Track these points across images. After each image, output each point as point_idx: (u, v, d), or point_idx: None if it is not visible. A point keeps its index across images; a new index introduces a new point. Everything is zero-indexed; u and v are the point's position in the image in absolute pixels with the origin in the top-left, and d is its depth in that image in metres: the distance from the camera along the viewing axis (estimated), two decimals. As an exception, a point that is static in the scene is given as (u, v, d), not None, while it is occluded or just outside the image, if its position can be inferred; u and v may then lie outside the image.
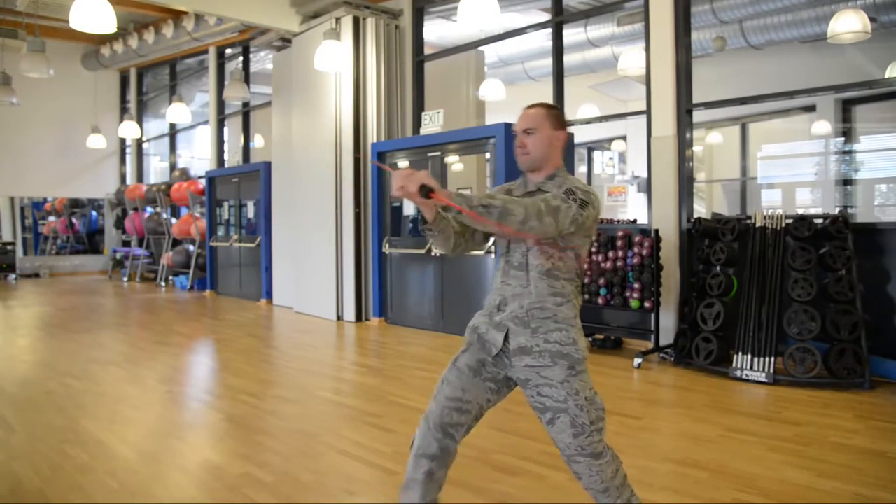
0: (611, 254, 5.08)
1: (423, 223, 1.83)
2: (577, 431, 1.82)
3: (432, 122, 6.58)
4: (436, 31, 8.60)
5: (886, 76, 7.20)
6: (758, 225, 4.65)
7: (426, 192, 1.66)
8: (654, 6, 5.33)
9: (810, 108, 8.85)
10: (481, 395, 1.93)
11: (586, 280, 5.23)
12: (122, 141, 13.76)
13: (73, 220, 13.62)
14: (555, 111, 1.95)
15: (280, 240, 8.48)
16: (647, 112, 5.42)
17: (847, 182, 8.69)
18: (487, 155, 6.07)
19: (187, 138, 13.44)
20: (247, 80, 9.78)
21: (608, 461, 1.88)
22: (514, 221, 1.71)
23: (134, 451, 3.06)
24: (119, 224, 13.33)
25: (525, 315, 1.87)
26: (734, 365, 4.35)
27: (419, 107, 7.44)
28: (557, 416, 1.83)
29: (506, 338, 1.89)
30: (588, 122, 7.10)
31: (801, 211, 8.98)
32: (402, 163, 6.82)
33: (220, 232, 9.93)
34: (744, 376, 4.27)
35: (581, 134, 8.99)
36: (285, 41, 8.40)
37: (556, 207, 1.77)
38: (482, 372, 1.93)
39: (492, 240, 1.89)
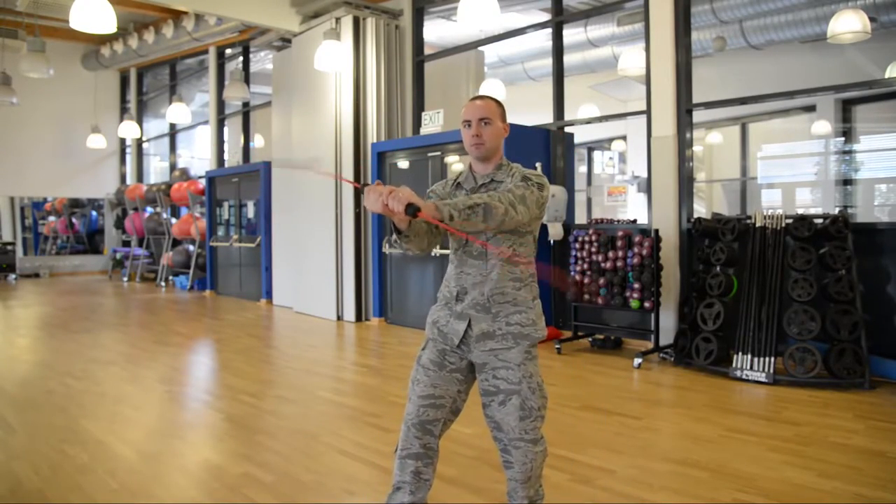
0: (611, 254, 5.07)
1: (396, 233, 1.81)
2: (524, 414, 1.90)
3: (432, 122, 6.58)
4: (436, 31, 8.60)
5: (886, 76, 7.20)
6: (758, 225, 4.65)
7: (413, 211, 1.61)
8: (654, 6, 5.33)
9: (810, 108, 8.85)
10: (451, 388, 1.98)
11: (586, 280, 5.23)
12: (122, 141, 13.76)
13: (73, 220, 13.62)
14: (501, 105, 2.04)
15: (280, 240, 8.48)
16: (647, 112, 5.42)
17: (847, 182, 8.69)
18: (487, 155, 6.06)
19: (187, 138, 13.44)
20: (247, 80, 9.78)
21: (542, 451, 1.97)
22: (498, 215, 1.76)
23: (134, 451, 3.06)
24: (119, 224, 13.33)
25: (486, 301, 1.93)
26: (734, 365, 4.35)
27: (419, 107, 7.44)
28: (510, 397, 1.91)
29: (468, 326, 1.94)
30: (588, 122, 7.10)
31: (801, 211, 8.98)
32: (403, 163, 6.82)
33: (220, 232, 9.92)
34: (744, 376, 4.27)
35: (581, 134, 8.98)
36: (285, 41, 8.40)
37: (522, 195, 1.85)
38: (446, 364, 1.98)
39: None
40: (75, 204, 13.63)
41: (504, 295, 1.93)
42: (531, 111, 7.06)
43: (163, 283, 11.13)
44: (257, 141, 11.19)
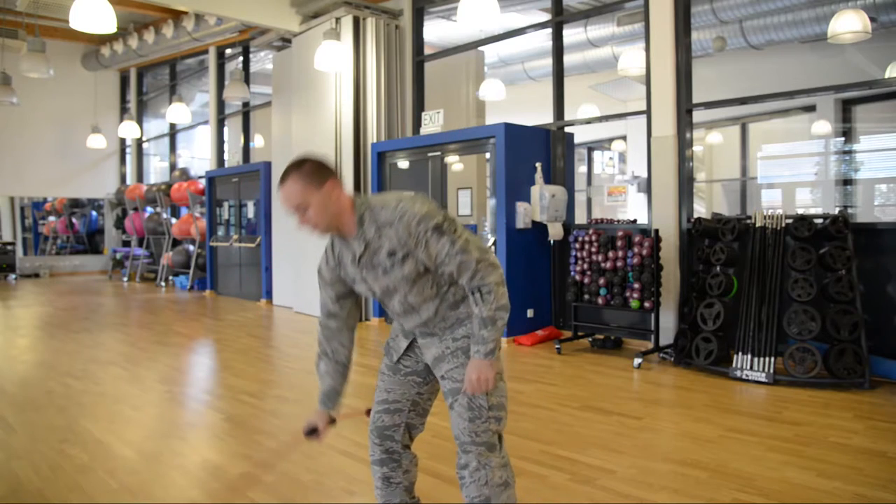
0: (611, 254, 5.07)
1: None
2: (472, 415, 1.79)
3: (432, 122, 6.58)
4: (436, 31, 8.60)
5: (886, 76, 7.20)
6: (758, 225, 4.65)
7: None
8: (654, 6, 5.33)
9: (810, 108, 8.85)
10: (408, 391, 1.95)
11: (586, 280, 5.23)
12: (122, 141, 13.76)
13: (73, 220, 13.62)
14: (308, 167, 1.73)
15: (280, 240, 8.48)
16: (647, 112, 5.42)
17: (847, 182, 8.69)
18: (487, 155, 6.06)
19: (187, 138, 13.44)
20: (247, 80, 9.78)
21: (500, 463, 1.82)
22: (501, 294, 1.74)
23: (134, 451, 3.06)
24: (119, 224, 13.33)
25: (429, 330, 1.88)
26: (734, 365, 4.35)
27: (419, 107, 7.44)
28: (457, 398, 1.82)
29: (413, 340, 1.94)
30: (588, 122, 7.10)
31: (801, 211, 8.98)
32: (403, 163, 6.82)
33: (220, 232, 9.92)
34: (744, 376, 4.27)
35: (581, 134, 8.98)
36: (285, 41, 8.40)
37: (461, 249, 1.72)
38: (400, 368, 1.96)
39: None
40: (75, 204, 13.63)
41: (444, 320, 1.86)
42: (531, 111, 7.06)
43: (163, 283, 11.13)
44: (257, 141, 11.18)
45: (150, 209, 12.14)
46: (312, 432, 1.93)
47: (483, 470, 1.79)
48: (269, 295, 8.70)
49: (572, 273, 5.33)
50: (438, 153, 6.41)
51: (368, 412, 2.27)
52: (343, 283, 1.91)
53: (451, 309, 1.85)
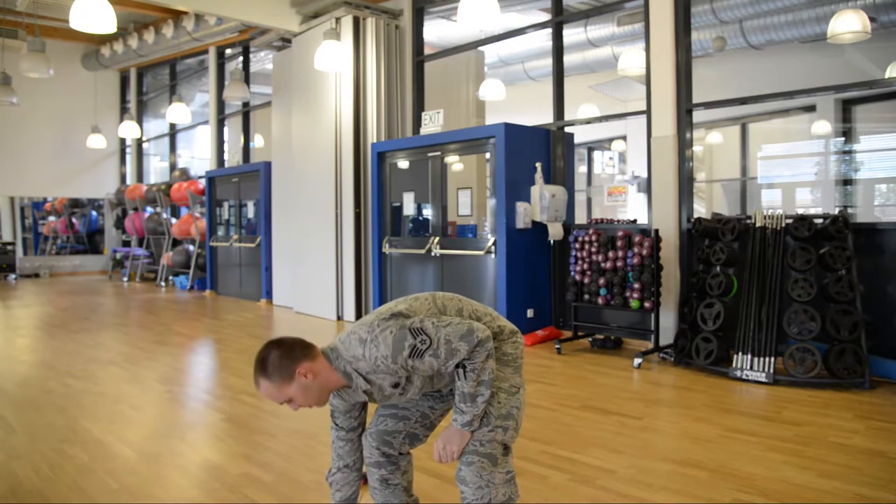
0: (611, 254, 5.07)
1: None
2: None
3: (432, 122, 6.58)
4: (436, 31, 8.60)
5: (886, 76, 7.20)
6: (758, 225, 4.65)
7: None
8: (654, 6, 5.33)
9: (810, 108, 8.86)
10: (422, 402, 1.95)
11: (586, 280, 5.23)
12: (122, 141, 13.77)
13: (73, 220, 13.62)
14: (272, 367, 1.67)
15: (280, 240, 8.48)
16: (647, 112, 5.42)
17: (847, 182, 8.69)
18: (487, 155, 6.06)
19: (187, 138, 13.45)
20: (247, 80, 9.78)
21: (503, 479, 1.74)
22: (487, 368, 1.69)
23: (134, 451, 3.06)
24: (119, 224, 13.33)
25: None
26: (734, 365, 4.35)
27: (419, 107, 7.44)
28: None
29: None
30: (588, 122, 7.10)
31: (801, 211, 8.98)
32: (403, 163, 6.81)
33: (220, 232, 9.93)
34: (744, 376, 4.27)
35: (581, 134, 8.99)
36: (285, 41, 8.40)
37: (449, 354, 1.67)
38: None
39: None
40: (75, 204, 13.64)
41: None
42: (531, 111, 7.06)
43: (163, 283, 11.13)
44: (257, 141, 11.18)
45: (150, 209, 12.15)
46: None
47: (486, 489, 1.72)
48: (269, 295, 8.70)
49: (572, 273, 5.33)
50: (438, 153, 6.41)
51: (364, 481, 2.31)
52: (361, 404, 1.95)
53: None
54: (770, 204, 9.62)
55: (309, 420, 3.55)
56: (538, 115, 6.56)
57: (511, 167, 5.66)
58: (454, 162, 6.54)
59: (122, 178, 14.03)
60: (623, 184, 10.96)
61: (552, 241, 5.97)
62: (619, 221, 6.00)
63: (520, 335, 1.91)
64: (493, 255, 5.80)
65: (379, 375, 1.72)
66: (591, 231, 5.26)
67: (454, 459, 1.74)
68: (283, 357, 1.68)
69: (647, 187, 5.56)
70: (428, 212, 6.63)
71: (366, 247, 7.16)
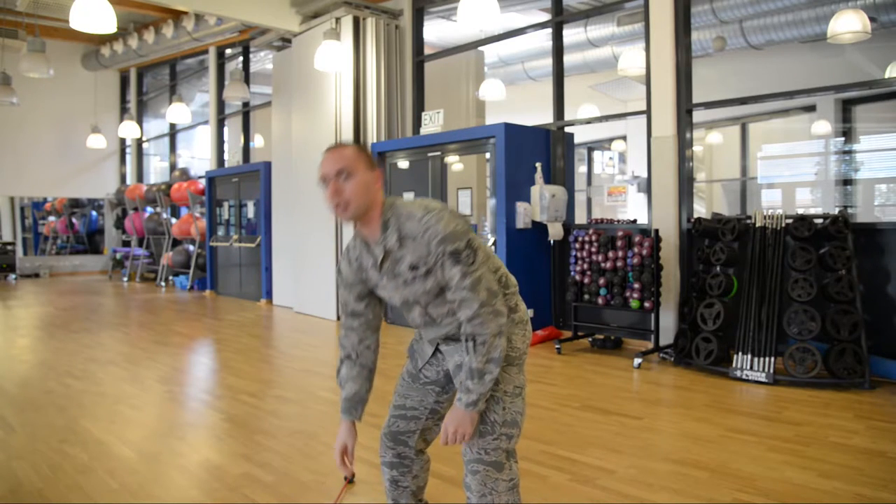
0: (611, 254, 5.08)
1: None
2: (484, 429, 1.70)
3: (432, 122, 6.58)
4: (436, 31, 8.60)
5: (886, 76, 7.20)
6: (758, 225, 4.65)
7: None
8: (654, 6, 5.33)
9: (810, 108, 8.85)
10: (426, 398, 1.89)
11: (586, 280, 5.23)
12: (122, 141, 13.76)
13: (73, 220, 13.63)
14: (364, 150, 1.72)
15: (280, 240, 8.48)
16: (647, 112, 5.42)
17: (847, 182, 8.69)
18: (487, 155, 6.06)
19: (187, 138, 13.45)
20: (247, 80, 9.78)
21: (507, 487, 1.71)
22: (499, 345, 1.64)
23: (134, 451, 3.06)
24: (119, 224, 13.33)
25: (454, 338, 1.81)
26: (734, 365, 4.35)
27: (419, 107, 7.44)
28: None
29: (437, 348, 1.88)
30: (588, 122, 7.10)
31: (801, 211, 8.98)
32: (403, 163, 6.81)
33: (220, 232, 9.92)
34: (744, 376, 4.27)
35: (581, 134, 8.99)
36: (285, 41, 8.40)
37: (475, 281, 1.62)
38: (420, 377, 1.92)
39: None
40: (75, 204, 13.64)
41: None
42: (531, 111, 7.06)
43: (163, 283, 11.13)
44: (257, 141, 11.18)
45: (150, 209, 12.15)
46: (344, 456, 1.92)
47: (489, 496, 1.69)
48: (269, 295, 8.70)
49: (572, 273, 5.33)
50: (438, 153, 6.41)
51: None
52: (365, 283, 1.83)
53: None
54: (770, 204, 9.61)
55: (309, 420, 3.56)
56: (538, 115, 6.55)
57: (511, 167, 5.66)
58: (454, 162, 6.54)
59: (122, 178, 14.03)
60: (623, 184, 10.96)
61: (552, 241, 5.97)
62: (619, 221, 5.99)
63: (529, 325, 1.86)
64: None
65: (409, 248, 1.66)
66: (591, 231, 5.26)
67: (468, 440, 1.69)
68: (374, 161, 1.73)
69: (647, 187, 5.56)
70: (428, 212, 6.61)
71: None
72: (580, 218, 10.39)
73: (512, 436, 1.73)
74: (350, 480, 2.60)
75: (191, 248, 10.88)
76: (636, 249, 4.94)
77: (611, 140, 11.84)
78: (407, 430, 1.89)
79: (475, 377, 1.63)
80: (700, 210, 8.43)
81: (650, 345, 5.13)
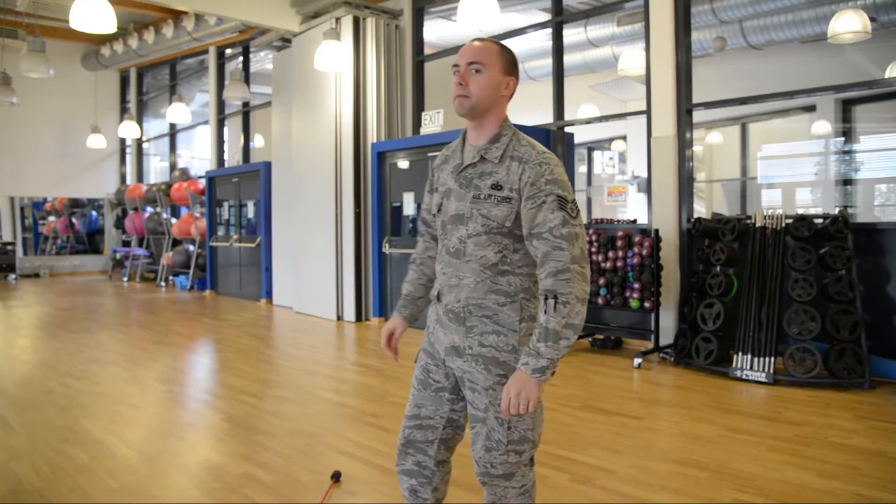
0: (611, 254, 5.08)
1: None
2: (490, 445, 1.61)
3: (432, 122, 6.58)
4: (436, 31, 8.60)
5: (886, 76, 7.21)
6: (758, 225, 4.65)
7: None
8: (654, 6, 5.33)
9: (810, 108, 8.85)
10: (441, 408, 1.73)
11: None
12: (122, 141, 13.76)
13: (73, 220, 13.62)
14: (509, 52, 1.61)
15: (280, 240, 8.48)
16: (647, 112, 5.42)
17: (847, 182, 8.69)
18: (487, 155, 6.05)
19: (187, 138, 13.45)
20: (247, 80, 9.78)
21: (517, 492, 1.63)
22: (579, 312, 1.49)
23: (134, 451, 3.06)
24: (119, 224, 13.33)
25: (461, 311, 1.63)
26: (734, 365, 4.35)
27: (419, 107, 7.44)
28: (475, 424, 1.64)
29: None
30: (588, 122, 7.10)
31: (801, 211, 8.98)
32: (403, 163, 6.81)
33: (220, 232, 9.92)
34: (744, 376, 4.27)
35: (581, 134, 8.99)
36: (285, 41, 8.40)
37: (572, 234, 1.50)
38: (430, 383, 1.75)
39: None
40: (75, 204, 13.63)
41: (482, 308, 1.60)
42: (531, 111, 7.06)
43: (163, 283, 11.13)
44: (257, 141, 11.18)
45: (150, 209, 12.14)
46: (390, 339, 1.88)
47: (500, 501, 1.65)
48: (269, 295, 8.70)
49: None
50: (438, 153, 6.40)
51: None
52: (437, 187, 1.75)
53: (495, 295, 1.59)
54: (770, 204, 9.61)
55: (309, 420, 3.56)
56: (538, 115, 6.56)
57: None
58: (454, 162, 6.54)
59: (122, 178, 14.03)
60: (623, 184, 10.96)
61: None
62: (619, 221, 5.99)
63: None
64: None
65: (509, 168, 1.55)
66: (591, 231, 5.26)
67: (532, 409, 1.51)
68: (516, 67, 1.63)
69: (647, 187, 5.56)
70: (428, 212, 6.61)
71: (366, 247, 7.16)
72: (580, 218, 10.37)
73: (522, 451, 1.62)
74: (337, 480, 2.60)
75: (191, 248, 10.88)
76: (636, 249, 4.94)
77: (611, 140, 11.84)
78: (424, 439, 1.75)
79: (550, 339, 1.47)
80: (700, 210, 8.43)
81: (650, 345, 5.13)
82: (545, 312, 1.49)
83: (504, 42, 1.68)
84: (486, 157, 1.59)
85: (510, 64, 1.60)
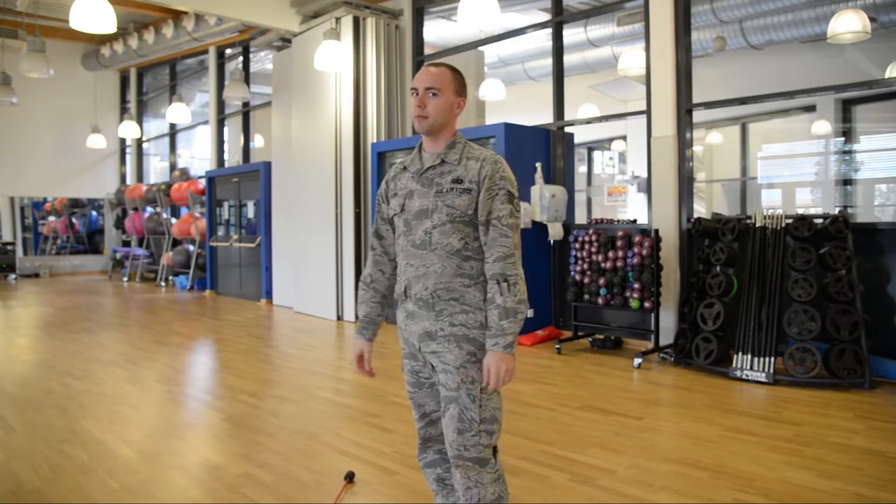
0: (611, 254, 5.07)
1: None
2: (462, 427, 1.70)
3: (432, 122, 6.56)
4: (436, 31, 8.60)
5: (886, 76, 7.20)
6: (758, 225, 4.65)
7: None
8: (654, 6, 5.33)
9: (810, 108, 8.85)
10: (440, 403, 1.83)
11: (586, 280, 5.23)
12: (122, 141, 13.77)
13: (73, 220, 13.62)
14: (459, 76, 1.83)
15: (280, 240, 8.48)
16: (647, 112, 5.42)
17: (847, 182, 8.69)
18: (487, 155, 6.05)
19: (187, 138, 13.45)
20: (247, 80, 9.79)
21: (492, 479, 1.73)
22: (522, 287, 1.71)
23: (134, 451, 3.06)
24: (119, 224, 13.33)
25: (430, 297, 1.75)
26: (734, 365, 4.35)
27: (419, 107, 7.43)
28: (448, 406, 1.73)
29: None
30: (588, 122, 7.10)
31: (801, 211, 8.98)
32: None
33: (220, 232, 9.92)
34: (744, 376, 4.27)
35: (581, 134, 8.98)
36: (285, 41, 8.40)
37: (514, 224, 1.74)
38: (422, 382, 1.86)
39: None
40: (75, 204, 13.63)
41: (450, 291, 1.74)
42: (531, 111, 7.06)
43: (163, 283, 11.13)
44: (257, 141, 11.18)
45: (150, 209, 12.15)
46: (361, 361, 1.97)
47: (475, 489, 1.71)
48: (269, 295, 8.70)
49: (572, 273, 5.33)
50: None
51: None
52: (393, 198, 1.89)
53: (461, 278, 1.74)
54: (770, 204, 9.61)
55: (309, 420, 3.56)
56: (538, 115, 6.55)
57: (511, 167, 5.64)
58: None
59: (122, 178, 14.03)
60: (623, 184, 10.96)
61: (552, 241, 5.97)
62: (619, 221, 5.99)
63: None
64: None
65: (467, 167, 1.76)
66: (591, 231, 5.26)
67: (511, 378, 1.69)
68: (464, 88, 1.84)
69: (647, 187, 5.56)
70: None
71: (366, 247, 7.16)
72: (580, 218, 10.40)
73: (493, 431, 1.73)
74: (350, 480, 2.61)
75: (191, 248, 10.88)
76: (636, 249, 4.94)
77: (611, 140, 11.84)
78: (438, 433, 1.88)
79: (510, 316, 1.68)
80: (700, 210, 8.43)
81: (650, 345, 5.13)
82: (501, 294, 1.69)
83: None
84: (446, 160, 1.79)
85: (461, 86, 1.82)
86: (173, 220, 11.39)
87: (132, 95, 13.49)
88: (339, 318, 7.23)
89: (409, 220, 1.80)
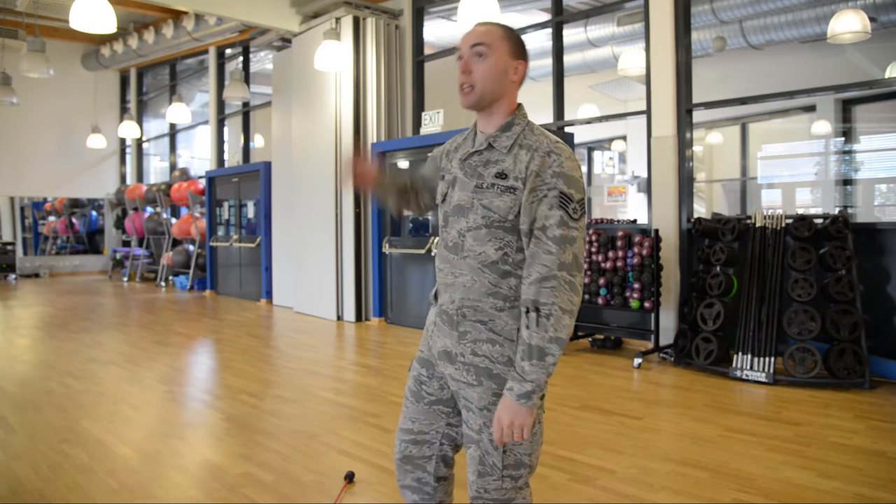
0: (611, 254, 5.08)
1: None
2: (483, 470, 1.47)
3: (432, 122, 6.58)
4: (436, 31, 8.60)
5: (886, 76, 7.20)
6: (758, 225, 4.65)
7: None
8: (654, 6, 5.33)
9: (810, 108, 8.86)
10: (436, 423, 1.60)
11: (586, 280, 5.23)
12: (122, 141, 13.76)
13: (73, 220, 13.62)
14: (514, 34, 1.47)
15: (280, 240, 8.48)
16: (647, 112, 5.42)
17: (847, 182, 8.69)
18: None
19: (187, 138, 13.45)
20: (247, 80, 9.78)
21: None
22: (567, 325, 1.35)
23: (134, 451, 3.06)
24: (119, 224, 13.33)
25: (454, 313, 1.48)
26: (734, 365, 4.35)
27: (419, 107, 7.44)
28: (469, 445, 1.50)
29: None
30: (588, 122, 7.10)
31: (801, 211, 8.98)
32: (403, 163, 6.81)
33: (220, 232, 9.93)
34: (744, 376, 4.27)
35: (581, 134, 8.99)
36: (285, 41, 8.40)
37: (565, 238, 1.36)
38: (423, 395, 1.61)
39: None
40: (75, 204, 13.63)
41: (477, 311, 1.45)
42: (531, 111, 7.04)
43: (163, 283, 11.13)
44: (257, 141, 11.18)
45: (150, 209, 12.15)
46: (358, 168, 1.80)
47: None
48: (269, 295, 8.70)
49: (572, 273, 5.32)
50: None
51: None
52: (438, 175, 1.62)
53: (493, 298, 1.44)
54: (770, 204, 9.62)
55: (309, 420, 3.56)
56: (538, 115, 6.54)
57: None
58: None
59: (122, 178, 14.03)
60: (623, 184, 10.96)
61: (552, 241, 5.96)
62: (619, 221, 5.99)
63: None
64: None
65: (516, 157, 1.41)
66: (591, 231, 5.26)
67: (527, 436, 1.40)
68: (523, 50, 1.48)
69: (647, 187, 5.56)
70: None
71: (366, 247, 7.16)
72: (580, 218, 10.37)
73: (519, 476, 1.49)
74: (350, 480, 2.61)
75: (191, 248, 10.88)
76: (636, 249, 4.94)
77: (611, 140, 11.85)
78: (421, 455, 1.62)
79: (534, 356, 1.34)
80: (700, 210, 8.43)
81: (650, 345, 5.13)
82: (527, 327, 1.35)
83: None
84: (495, 146, 1.45)
85: (517, 46, 1.46)
86: (173, 220, 11.39)
87: (132, 95, 13.48)
88: (339, 318, 7.23)
89: (448, 213, 1.52)
